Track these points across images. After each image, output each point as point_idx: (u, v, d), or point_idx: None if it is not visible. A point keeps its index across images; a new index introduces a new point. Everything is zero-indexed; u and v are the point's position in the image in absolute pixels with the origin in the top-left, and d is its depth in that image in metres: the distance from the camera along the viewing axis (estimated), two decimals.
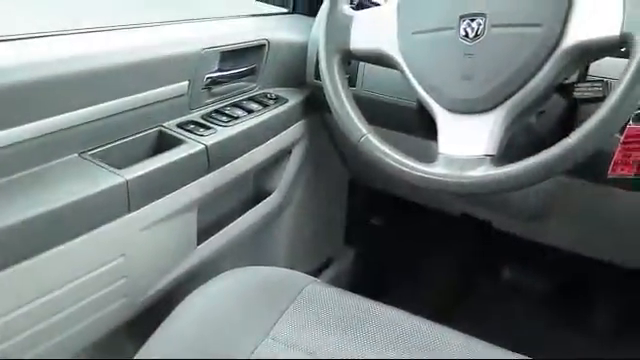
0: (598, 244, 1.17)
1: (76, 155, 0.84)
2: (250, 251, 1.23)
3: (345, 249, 1.56)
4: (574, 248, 1.22)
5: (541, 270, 1.53)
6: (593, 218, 1.09)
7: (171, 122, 0.98)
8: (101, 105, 0.84)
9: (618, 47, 0.70)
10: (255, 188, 1.20)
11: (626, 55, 0.68)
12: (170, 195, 0.90)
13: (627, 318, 1.43)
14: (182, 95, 0.99)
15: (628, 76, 0.66)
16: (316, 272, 1.45)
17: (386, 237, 1.62)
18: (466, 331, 0.77)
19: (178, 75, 0.97)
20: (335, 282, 1.42)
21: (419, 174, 0.78)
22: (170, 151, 0.91)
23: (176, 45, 0.96)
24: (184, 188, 0.92)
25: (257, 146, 1.08)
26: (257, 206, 1.15)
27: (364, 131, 0.84)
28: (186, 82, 0.98)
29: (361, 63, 1.08)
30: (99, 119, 0.85)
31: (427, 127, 0.86)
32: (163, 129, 0.96)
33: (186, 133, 0.96)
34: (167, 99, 0.96)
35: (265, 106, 1.11)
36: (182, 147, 0.93)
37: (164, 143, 0.95)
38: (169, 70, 0.95)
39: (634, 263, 1.17)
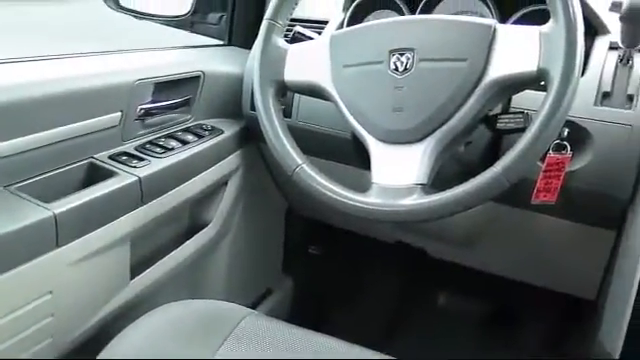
0: (526, 268, 1.21)
1: (1, 188, 0.80)
2: (187, 284, 1.21)
3: (284, 279, 1.56)
4: (505, 272, 1.26)
5: (475, 295, 1.57)
6: (521, 243, 1.13)
7: (103, 154, 0.96)
8: (29, 136, 0.82)
9: (536, 81, 0.74)
10: (191, 220, 1.18)
11: (544, 88, 0.72)
12: (101, 229, 0.87)
13: (556, 340, 1.48)
14: (114, 126, 0.97)
15: (546, 108, 0.70)
16: (255, 303, 1.44)
17: (324, 266, 1.63)
18: (403, 358, 0.77)
19: (110, 106, 0.95)
20: (274, 313, 1.41)
21: (353, 203, 0.80)
22: (101, 183, 0.89)
23: (108, 76, 0.95)
24: (116, 221, 0.90)
25: (192, 177, 1.07)
26: (193, 238, 1.13)
27: (299, 161, 0.85)
28: (118, 113, 0.96)
29: (296, 95, 1.10)
30: (26, 151, 0.82)
31: (361, 157, 0.88)
32: (94, 161, 0.94)
33: (118, 165, 0.94)
34: (98, 130, 0.94)
35: (200, 137, 1.10)
36: (114, 179, 0.91)
37: (95, 175, 0.93)
38: (100, 101, 0.93)
39: (560, 287, 1.22)
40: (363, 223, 1.26)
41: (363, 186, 0.82)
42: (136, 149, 1.01)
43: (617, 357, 0.90)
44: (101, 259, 0.89)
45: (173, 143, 1.06)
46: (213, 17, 1.38)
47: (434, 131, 0.77)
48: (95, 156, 0.95)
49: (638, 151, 0.86)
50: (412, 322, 1.59)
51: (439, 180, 0.81)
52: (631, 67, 0.90)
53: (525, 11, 0.98)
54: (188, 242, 1.12)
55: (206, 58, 1.21)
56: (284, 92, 0.95)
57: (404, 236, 1.30)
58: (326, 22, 1.15)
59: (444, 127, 0.77)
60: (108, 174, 0.92)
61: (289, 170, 0.86)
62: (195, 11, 1.31)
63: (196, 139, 1.09)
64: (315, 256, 1.63)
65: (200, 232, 1.15)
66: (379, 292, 1.63)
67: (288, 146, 0.87)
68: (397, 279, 1.64)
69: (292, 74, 0.89)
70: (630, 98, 0.88)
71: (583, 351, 1.12)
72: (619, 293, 0.90)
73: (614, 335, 0.91)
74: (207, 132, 1.13)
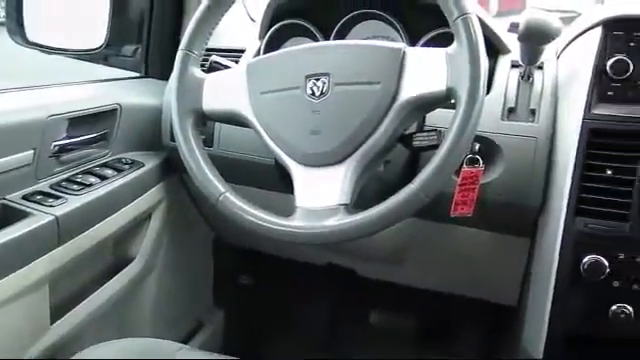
0: (452, 280, 1.25)
1: None
2: (113, 324, 1.17)
3: (215, 311, 1.53)
4: (432, 286, 1.30)
5: (406, 311, 1.60)
6: (444, 256, 1.17)
7: (16, 194, 0.92)
8: None
9: (446, 99, 0.78)
10: (114, 256, 1.14)
11: (454, 106, 0.76)
12: (16, 273, 0.83)
13: (486, 348, 1.53)
14: (27, 165, 0.93)
15: (456, 125, 0.74)
16: (186, 338, 1.40)
17: (256, 295, 1.62)
18: None
19: (21, 144, 0.91)
20: (206, 346, 1.38)
21: (278, 228, 0.80)
22: (15, 225, 0.85)
23: (18, 113, 0.92)
24: (32, 264, 0.86)
25: (113, 213, 1.04)
26: (117, 275, 1.10)
27: (222, 189, 0.85)
28: (31, 151, 0.93)
29: (217, 124, 1.10)
30: None
31: (285, 182, 0.89)
32: (6, 202, 0.90)
33: (33, 205, 0.90)
34: (10, 170, 0.90)
35: (120, 171, 1.08)
36: (28, 220, 0.87)
37: (8, 217, 0.88)
38: (10, 139, 0.89)
39: (484, 295, 1.27)
40: (292, 248, 1.27)
41: (289, 211, 0.82)
42: (52, 187, 0.97)
43: (540, 358, 0.95)
44: (18, 304, 0.85)
45: (91, 179, 1.03)
46: (128, 49, 1.36)
47: (353, 152, 0.79)
48: (7, 197, 0.90)
49: (544, 161, 0.92)
50: (346, 343, 1.60)
51: (362, 200, 0.83)
52: (532, 83, 0.97)
53: (433, 34, 1.03)
54: (112, 280, 1.08)
55: (122, 91, 1.19)
56: (204, 121, 0.95)
57: (334, 258, 1.31)
58: (243, 51, 1.16)
59: (362, 148, 0.79)
60: (22, 215, 0.88)
61: (212, 199, 0.85)
62: (109, 44, 1.28)
63: (116, 174, 1.07)
64: (246, 285, 1.61)
65: (125, 269, 1.12)
66: (312, 316, 1.63)
67: (210, 175, 0.86)
68: (329, 301, 1.65)
69: (210, 103, 0.89)
70: (533, 112, 0.94)
71: (510, 356, 1.16)
72: (537, 298, 0.95)
73: (535, 338, 0.95)
74: (127, 166, 1.11)
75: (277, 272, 1.56)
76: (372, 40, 1.04)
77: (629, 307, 0.86)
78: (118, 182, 1.05)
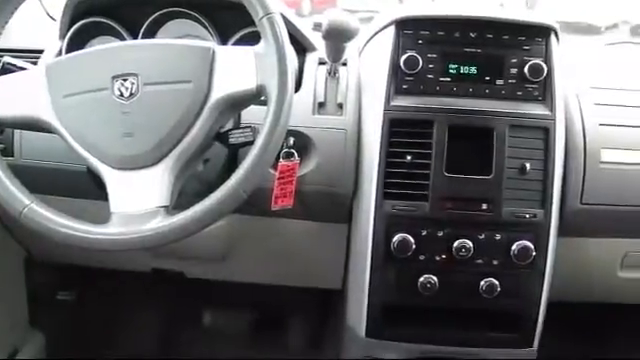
0: (281, 272, 1.29)
1: None
2: None
3: (33, 334, 1.40)
4: (262, 279, 1.32)
5: (238, 307, 1.61)
6: (271, 249, 1.20)
7: None
8: None
9: (257, 97, 0.80)
10: None
11: (266, 103, 0.78)
12: None
13: (320, 334, 1.60)
14: None
15: (268, 121, 0.76)
16: None
17: (79, 312, 1.51)
18: None
19: None
20: None
21: (94, 237, 0.76)
22: None
23: None
24: None
25: None
26: None
27: (26, 202, 0.78)
28: None
29: (17, 131, 1.01)
30: None
31: (98, 188, 0.85)
32: None
33: None
34: None
35: None
36: None
37: None
38: None
39: (313, 283, 1.32)
40: (113, 257, 1.20)
41: (105, 218, 0.79)
42: None
43: (363, 335, 1.02)
44: None
45: None
46: None
47: (169, 153, 0.78)
48: None
49: (354, 151, 0.99)
50: (181, 347, 1.57)
51: (183, 200, 0.82)
52: (338, 79, 1.03)
53: (243, 33, 1.05)
54: None
55: None
56: (1, 130, 0.86)
57: (159, 262, 1.27)
58: (41, 51, 1.08)
59: (178, 148, 0.78)
60: None
61: (16, 213, 0.78)
62: None
63: None
64: (66, 302, 1.50)
65: None
66: (143, 326, 1.58)
67: (11, 187, 0.79)
68: (160, 308, 1.60)
69: (3, 109, 0.82)
70: (341, 106, 1.01)
71: (339, 337, 1.23)
72: (357, 278, 1.02)
73: (358, 316, 1.02)
74: None
75: (101, 285, 1.48)
76: (181, 39, 1.03)
77: (434, 277, 0.96)
78: None
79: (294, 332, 1.62)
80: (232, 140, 0.85)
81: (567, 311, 1.16)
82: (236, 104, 0.82)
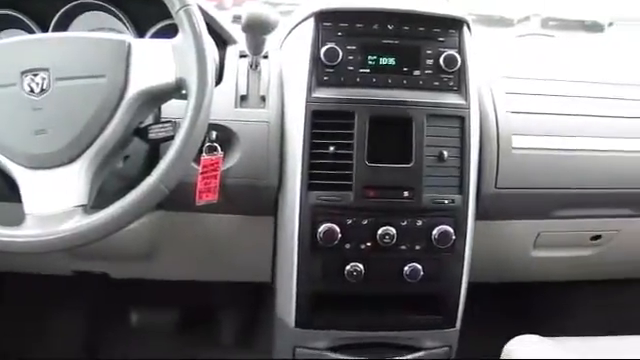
0: (209, 267, 1.28)
1: None
2: None
3: None
4: (191, 276, 1.31)
5: (167, 305, 1.59)
6: (198, 245, 1.18)
7: None
8: None
9: (177, 90, 0.79)
10: None
11: (186, 97, 0.77)
12: None
13: (251, 328, 1.60)
14: None
15: (188, 115, 0.76)
16: None
17: None
18: None
19: None
20: None
21: (7, 240, 0.73)
22: None
23: None
24: None
25: None
26: None
27: None
28: None
29: None
30: None
31: (9, 189, 0.81)
32: None
33: None
34: None
35: None
36: None
37: None
38: None
39: (242, 277, 1.32)
40: (31, 261, 1.15)
41: (19, 220, 0.76)
42: None
43: (293, 325, 1.03)
44: None
45: None
46: None
47: (85, 150, 0.76)
48: None
49: (277, 143, 0.99)
50: (108, 350, 1.52)
51: (103, 199, 0.80)
52: (260, 72, 1.03)
53: (160, 26, 1.03)
54: None
55: None
56: None
57: (81, 264, 1.23)
58: None
59: (95, 145, 0.76)
60: None
61: None
62: None
63: None
64: None
65: None
66: (67, 331, 1.52)
67: None
68: (85, 311, 1.55)
69: None
70: (263, 98, 1.01)
71: (270, 330, 1.23)
72: (285, 269, 1.03)
73: (288, 306, 1.03)
74: None
75: (19, 293, 1.42)
76: (95, 32, 1.00)
77: (360, 265, 0.98)
78: None
79: (225, 328, 1.62)
80: (152, 135, 0.84)
81: (487, 291, 1.22)
82: (155, 98, 0.80)
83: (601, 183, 1.10)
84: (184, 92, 0.78)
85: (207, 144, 0.92)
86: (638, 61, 1.44)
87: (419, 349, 1.07)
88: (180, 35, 0.77)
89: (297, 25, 1.03)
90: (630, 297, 1.48)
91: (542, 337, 0.92)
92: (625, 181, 1.11)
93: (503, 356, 0.92)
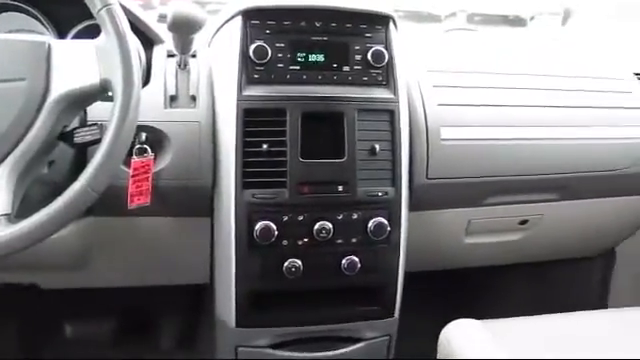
0: (147, 272, 1.25)
1: None
2: None
3: None
4: (127, 282, 1.27)
5: (104, 314, 1.54)
6: (134, 250, 1.16)
7: None
8: None
9: (103, 92, 0.77)
10: None
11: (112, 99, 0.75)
12: None
13: (192, 331, 1.58)
14: None
15: (115, 117, 0.74)
16: None
17: None
18: None
19: None
20: None
21: None
22: None
23: None
24: None
25: None
26: None
27: None
28: None
29: None
30: None
31: None
32: None
33: None
34: None
35: None
36: None
37: None
38: None
39: (181, 280, 1.30)
40: None
41: None
42: None
43: (233, 325, 1.03)
44: None
45: None
46: None
47: (7, 156, 0.73)
48: None
49: (210, 143, 0.98)
50: None
51: (29, 207, 0.77)
52: (189, 71, 1.02)
53: (82, 26, 1.00)
54: None
55: None
56: None
57: (8, 276, 1.18)
58: None
59: (16, 151, 0.74)
60: None
61: None
62: None
63: None
64: None
65: None
66: None
67: None
68: (16, 326, 1.49)
69: None
70: (194, 98, 1.00)
71: (210, 331, 1.22)
72: (223, 269, 1.02)
73: (227, 307, 1.02)
74: None
75: None
76: (13, 34, 0.96)
77: (298, 261, 0.99)
78: None
79: (165, 333, 1.59)
80: (78, 139, 0.81)
81: (424, 280, 1.25)
82: (79, 101, 0.78)
83: (527, 170, 1.15)
84: (110, 94, 0.76)
85: (137, 146, 0.90)
86: (557, 52, 1.52)
87: (360, 340, 1.09)
88: (103, 35, 0.75)
89: (225, 23, 1.02)
90: (556, 277, 1.55)
91: (477, 320, 0.96)
92: (549, 167, 1.16)
93: (440, 341, 0.95)
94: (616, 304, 1.46)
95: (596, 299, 1.52)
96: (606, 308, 1.44)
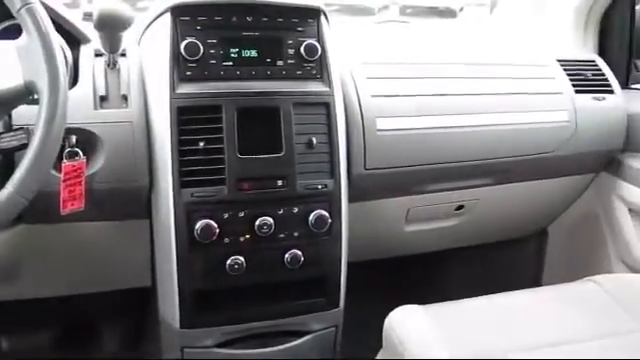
0: (84, 279, 1.21)
1: None
2: None
3: None
4: (66, 291, 1.23)
5: (41, 326, 1.49)
6: (69, 257, 1.12)
7: None
8: None
9: (28, 95, 0.74)
10: None
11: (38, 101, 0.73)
12: None
13: (136, 336, 1.54)
14: None
15: (42, 120, 0.71)
16: None
17: None
18: None
19: None
20: None
21: None
22: None
23: None
24: None
25: None
26: None
27: None
28: None
29: None
30: None
31: None
32: None
33: None
34: None
35: None
36: None
37: None
38: None
39: (121, 284, 1.26)
40: None
41: None
42: None
43: (178, 326, 1.01)
44: None
45: None
46: None
47: None
48: None
49: (144, 143, 0.96)
50: None
51: None
52: (119, 70, 0.99)
53: (4, 26, 0.96)
54: None
55: None
56: None
57: None
58: None
59: None
60: None
61: None
62: None
63: None
64: None
65: None
66: None
67: None
68: None
69: None
70: (125, 98, 0.97)
71: (155, 335, 1.20)
72: (165, 271, 1.00)
73: (171, 308, 1.01)
74: None
75: None
76: None
77: (241, 257, 0.98)
78: None
79: (110, 338, 1.55)
80: (3, 145, 0.79)
81: (367, 269, 1.27)
82: (2, 105, 0.75)
83: (461, 157, 1.18)
84: (35, 96, 0.73)
85: (67, 149, 0.87)
86: (486, 42, 1.57)
87: (306, 333, 1.10)
88: (24, 36, 0.73)
89: (154, 20, 1.00)
90: (493, 259, 1.61)
91: (420, 306, 0.98)
92: (482, 153, 1.20)
93: (385, 328, 0.97)
94: (550, 281, 1.53)
95: (531, 278, 1.59)
96: (540, 286, 1.51)
